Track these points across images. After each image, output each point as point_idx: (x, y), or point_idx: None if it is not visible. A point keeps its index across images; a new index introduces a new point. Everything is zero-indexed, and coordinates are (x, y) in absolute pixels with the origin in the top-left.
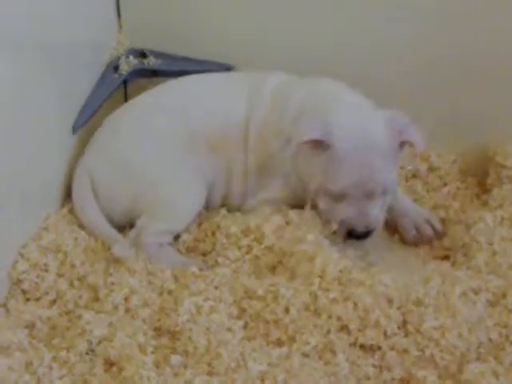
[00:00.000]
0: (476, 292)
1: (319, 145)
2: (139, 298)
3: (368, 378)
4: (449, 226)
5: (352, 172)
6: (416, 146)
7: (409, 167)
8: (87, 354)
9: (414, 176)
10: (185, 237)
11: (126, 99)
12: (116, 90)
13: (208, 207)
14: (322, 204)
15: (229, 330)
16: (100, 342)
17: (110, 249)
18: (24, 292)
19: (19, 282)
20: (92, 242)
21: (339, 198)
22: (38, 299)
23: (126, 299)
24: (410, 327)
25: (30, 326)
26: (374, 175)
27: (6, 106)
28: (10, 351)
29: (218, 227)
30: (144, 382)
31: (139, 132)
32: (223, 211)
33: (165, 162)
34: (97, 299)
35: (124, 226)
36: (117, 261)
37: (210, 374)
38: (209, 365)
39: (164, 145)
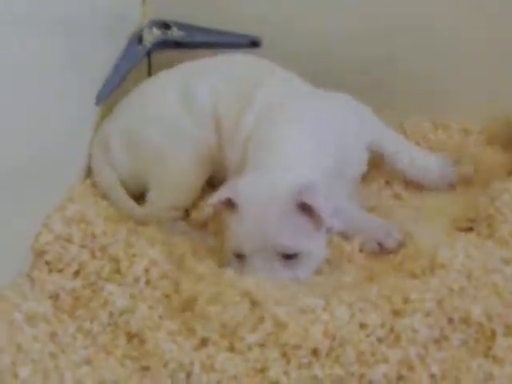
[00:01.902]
0: (508, 262)
1: (230, 205)
2: (159, 270)
3: None
4: (473, 197)
5: (247, 228)
6: (316, 210)
7: (431, 136)
8: (109, 325)
9: (440, 147)
10: (194, 214)
11: (149, 71)
12: (139, 62)
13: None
14: (232, 264)
15: None
16: (122, 314)
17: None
18: (47, 263)
19: (43, 253)
20: (114, 212)
21: (240, 257)
22: (61, 270)
23: (146, 271)
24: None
25: (54, 297)
26: (267, 235)
27: (29, 78)
28: (35, 321)
29: None
30: (166, 355)
31: (150, 104)
32: None
33: (170, 136)
34: (118, 271)
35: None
36: (137, 231)
37: (231, 350)
38: (230, 342)
39: (172, 119)
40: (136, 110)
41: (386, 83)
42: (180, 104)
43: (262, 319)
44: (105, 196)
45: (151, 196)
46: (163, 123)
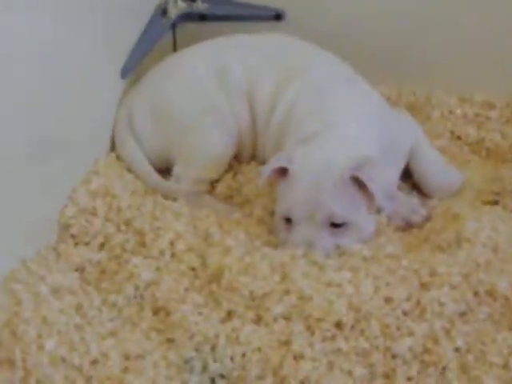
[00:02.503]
0: None
1: (282, 173)
2: (185, 243)
3: None
4: (497, 171)
5: (299, 195)
6: (366, 185)
7: (458, 111)
8: (135, 297)
9: (465, 119)
10: (220, 188)
11: (174, 44)
12: (164, 35)
13: (240, 160)
14: (279, 228)
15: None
16: (147, 287)
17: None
18: (73, 236)
19: (68, 226)
20: (139, 186)
21: (288, 221)
22: (87, 243)
23: (171, 244)
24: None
25: (80, 270)
26: (318, 202)
27: (55, 52)
28: (61, 294)
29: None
30: (191, 327)
31: (179, 77)
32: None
33: (199, 110)
34: (143, 244)
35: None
36: (163, 205)
37: (257, 322)
38: (256, 314)
39: (204, 93)
40: (165, 83)
41: (408, 59)
42: (213, 79)
43: (287, 292)
44: (130, 169)
45: (178, 169)
46: (194, 96)
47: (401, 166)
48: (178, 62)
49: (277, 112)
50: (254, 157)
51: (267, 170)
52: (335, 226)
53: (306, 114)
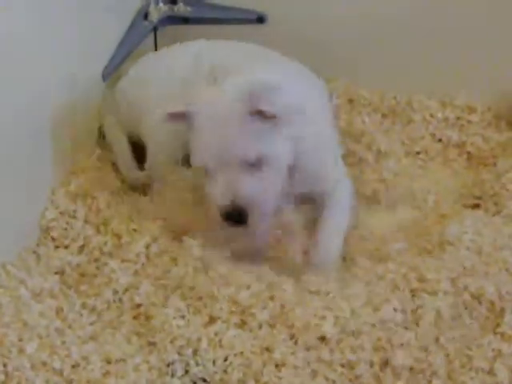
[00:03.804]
0: None
1: (183, 117)
2: (160, 246)
3: None
4: (480, 174)
5: (207, 143)
6: (266, 113)
7: (439, 115)
8: (114, 301)
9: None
10: None
11: (156, 47)
12: (146, 38)
13: None
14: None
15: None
16: (126, 290)
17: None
18: (53, 239)
19: (48, 229)
20: (118, 186)
21: (207, 174)
22: (66, 246)
23: (147, 247)
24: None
25: (60, 273)
26: (227, 145)
27: (36, 53)
28: (42, 297)
29: None
30: (173, 330)
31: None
32: None
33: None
34: (121, 246)
35: None
36: (140, 206)
37: (241, 327)
38: (241, 319)
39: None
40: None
41: (390, 63)
42: (190, 64)
43: (272, 298)
44: (109, 171)
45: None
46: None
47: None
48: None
49: None
50: None
51: (166, 111)
52: (253, 166)
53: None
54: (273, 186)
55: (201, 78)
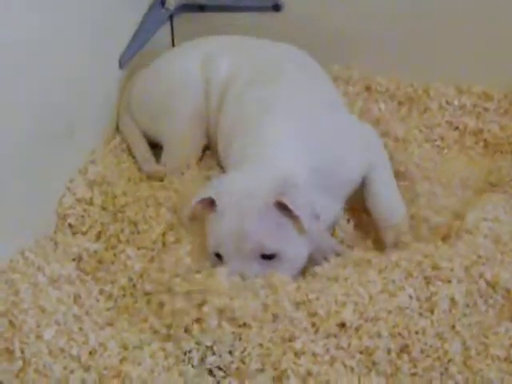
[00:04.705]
0: None
1: (210, 204)
2: (175, 234)
3: None
4: (496, 161)
5: (225, 228)
6: (293, 211)
7: (455, 102)
8: (129, 288)
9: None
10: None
11: (172, 34)
12: (162, 25)
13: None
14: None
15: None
16: (141, 277)
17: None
18: (71, 226)
19: (66, 216)
20: (135, 174)
21: (219, 257)
22: (84, 233)
23: (163, 234)
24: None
25: (77, 260)
26: (245, 234)
27: (55, 40)
28: (59, 284)
29: None
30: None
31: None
32: None
33: (175, 101)
34: (138, 232)
35: None
36: (156, 194)
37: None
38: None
39: (182, 85)
40: (157, 74)
41: (406, 50)
42: (199, 67)
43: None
44: (126, 158)
45: (162, 159)
46: (179, 85)
47: (343, 193)
48: (173, 52)
49: (229, 114)
50: None
51: (194, 201)
52: (266, 256)
53: (247, 131)
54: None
55: (213, 79)
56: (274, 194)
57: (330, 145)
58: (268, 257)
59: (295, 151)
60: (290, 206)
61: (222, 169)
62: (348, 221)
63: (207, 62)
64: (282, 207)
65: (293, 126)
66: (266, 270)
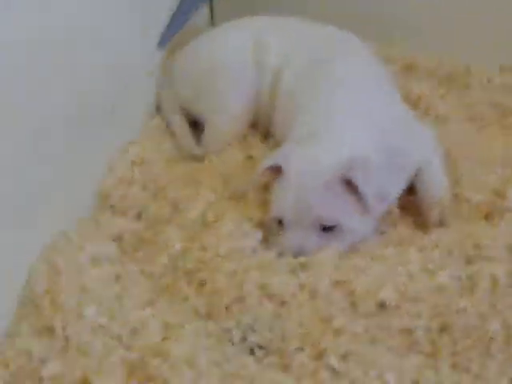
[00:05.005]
0: None
1: (277, 171)
2: (216, 210)
3: None
4: None
5: (290, 197)
6: (358, 187)
7: (496, 80)
8: (170, 267)
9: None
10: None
11: (211, 14)
12: (202, 5)
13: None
14: (271, 229)
15: None
16: (182, 256)
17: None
18: (112, 206)
19: (107, 196)
20: (175, 154)
21: (280, 224)
22: (124, 213)
23: (203, 213)
24: None
25: (118, 239)
26: (308, 205)
27: (94, 21)
28: (100, 263)
29: None
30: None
31: (215, 46)
32: None
33: (226, 80)
34: (177, 212)
35: None
36: (196, 174)
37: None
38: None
39: (233, 65)
40: (205, 46)
41: (447, 28)
42: (250, 49)
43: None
44: (166, 138)
45: (204, 139)
46: (228, 66)
47: (401, 180)
48: (220, 30)
49: (290, 90)
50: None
51: (263, 166)
52: (327, 228)
53: (316, 105)
54: (338, 247)
55: (265, 59)
56: (342, 169)
57: (397, 126)
58: (328, 228)
59: (366, 129)
60: (357, 183)
61: (266, 146)
62: None
63: (258, 42)
64: (348, 185)
65: (365, 103)
66: (323, 242)
